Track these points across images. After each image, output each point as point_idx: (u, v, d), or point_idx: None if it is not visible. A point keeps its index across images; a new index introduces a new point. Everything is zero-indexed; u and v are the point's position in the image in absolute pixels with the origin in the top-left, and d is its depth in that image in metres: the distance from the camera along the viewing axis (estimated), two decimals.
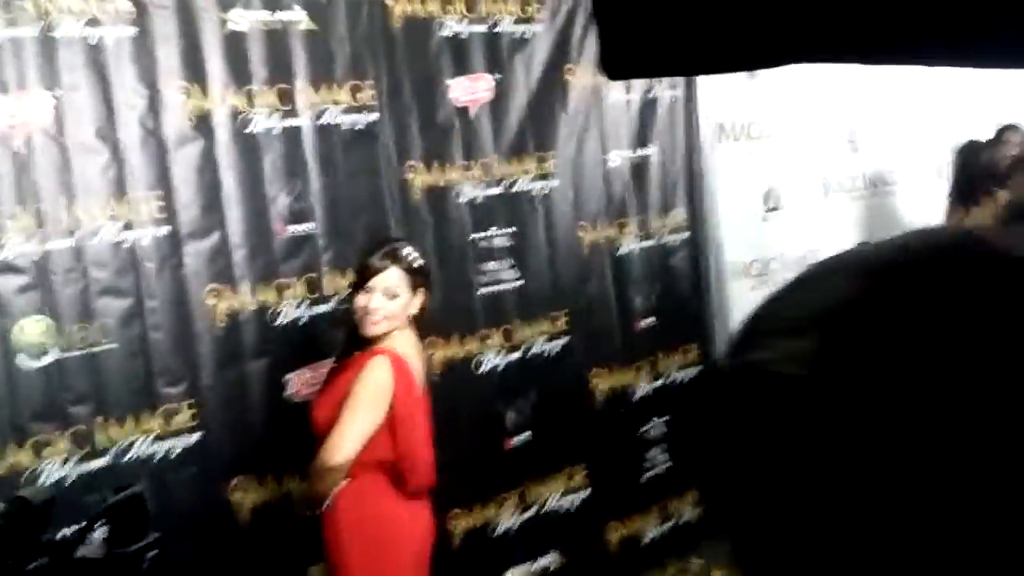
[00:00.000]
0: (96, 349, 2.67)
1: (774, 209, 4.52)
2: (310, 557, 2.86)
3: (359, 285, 2.54)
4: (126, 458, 2.69)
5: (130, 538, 0.42)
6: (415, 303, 2.58)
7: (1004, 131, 5.08)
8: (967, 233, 0.45)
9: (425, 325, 2.73)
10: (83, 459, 2.63)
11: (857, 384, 0.37)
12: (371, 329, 2.51)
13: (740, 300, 4.38)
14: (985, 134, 5.01)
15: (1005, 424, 0.34)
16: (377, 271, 2.51)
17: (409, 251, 2.60)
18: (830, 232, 4.73)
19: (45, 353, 2.57)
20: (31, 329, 2.58)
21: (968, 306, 0.37)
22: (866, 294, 0.41)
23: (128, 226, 2.74)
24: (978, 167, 4.60)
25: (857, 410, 0.37)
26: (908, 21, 0.73)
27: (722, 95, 4.25)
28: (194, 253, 2.85)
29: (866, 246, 0.46)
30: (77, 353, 2.63)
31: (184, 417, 2.80)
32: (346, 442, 2.41)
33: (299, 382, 3.02)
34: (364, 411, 2.43)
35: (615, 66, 0.98)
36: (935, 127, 4.95)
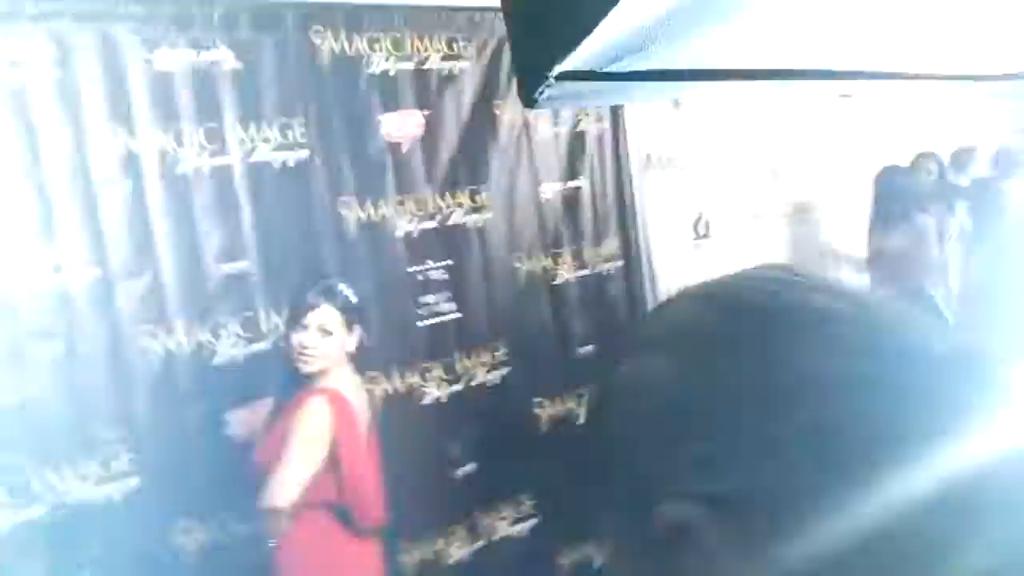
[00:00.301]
0: (30, 396, 2.61)
1: (704, 236, 4.63)
2: None
3: (293, 322, 2.54)
4: (65, 505, 2.62)
5: None
6: (351, 340, 2.57)
7: (920, 158, 5.31)
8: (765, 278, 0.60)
9: (365, 360, 2.73)
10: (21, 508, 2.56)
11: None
12: (306, 367, 2.50)
13: None
14: (903, 160, 5.23)
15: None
16: (311, 308, 2.51)
17: (343, 288, 2.61)
18: (759, 257, 4.86)
19: None
20: None
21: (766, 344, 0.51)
22: (698, 324, 0.58)
23: (58, 268, 2.70)
24: (896, 191, 4.79)
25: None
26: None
27: (648, 126, 4.37)
28: (127, 294, 2.82)
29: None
30: (9, 399, 2.57)
31: (122, 462, 2.75)
32: (287, 485, 2.38)
33: (238, 421, 2.99)
34: (303, 453, 2.41)
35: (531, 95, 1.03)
36: (855, 154, 5.14)
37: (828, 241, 5.24)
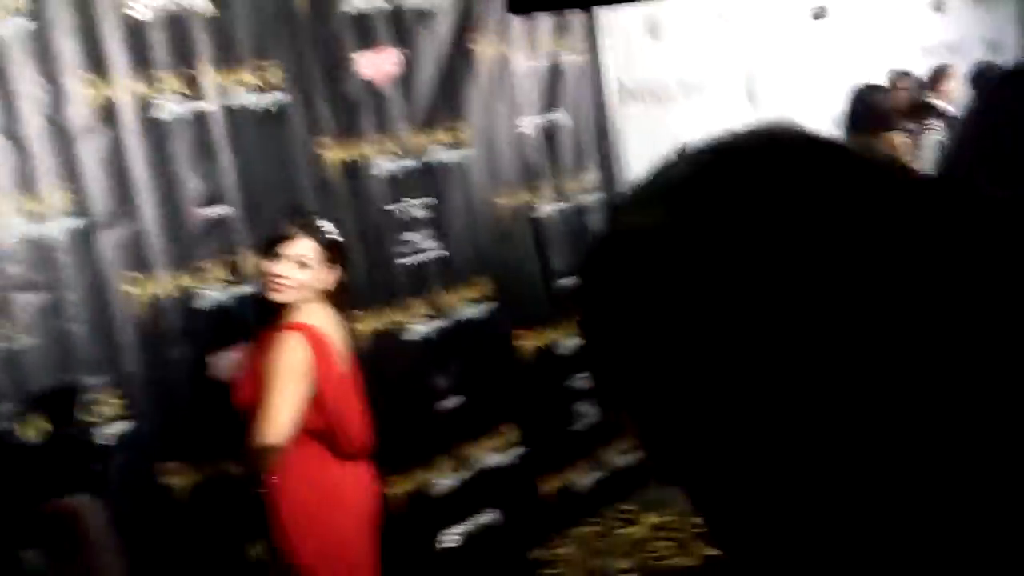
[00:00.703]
0: (16, 346, 2.67)
1: None
2: (248, 535, 2.91)
3: (268, 251, 2.53)
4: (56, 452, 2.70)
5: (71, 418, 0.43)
6: (329, 278, 2.58)
7: (897, 76, 5.30)
8: (789, 127, 0.53)
9: (346, 300, 2.75)
10: None
11: (681, 242, 0.47)
12: (277, 295, 2.50)
13: None
14: (878, 79, 5.22)
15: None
16: (287, 238, 2.52)
17: (324, 225, 2.61)
18: None
19: None
20: None
21: (768, 184, 0.47)
22: (696, 172, 0.51)
23: (38, 219, 2.73)
24: (872, 109, 4.81)
25: (685, 261, 0.46)
26: None
27: (626, 57, 4.35)
28: (109, 243, 2.85)
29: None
30: None
31: (112, 407, 2.81)
32: (277, 422, 2.42)
33: (224, 364, 3.05)
34: (287, 389, 2.44)
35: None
36: (830, 76, 5.13)
37: None
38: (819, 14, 5.25)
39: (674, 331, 0.45)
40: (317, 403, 2.50)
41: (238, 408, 2.57)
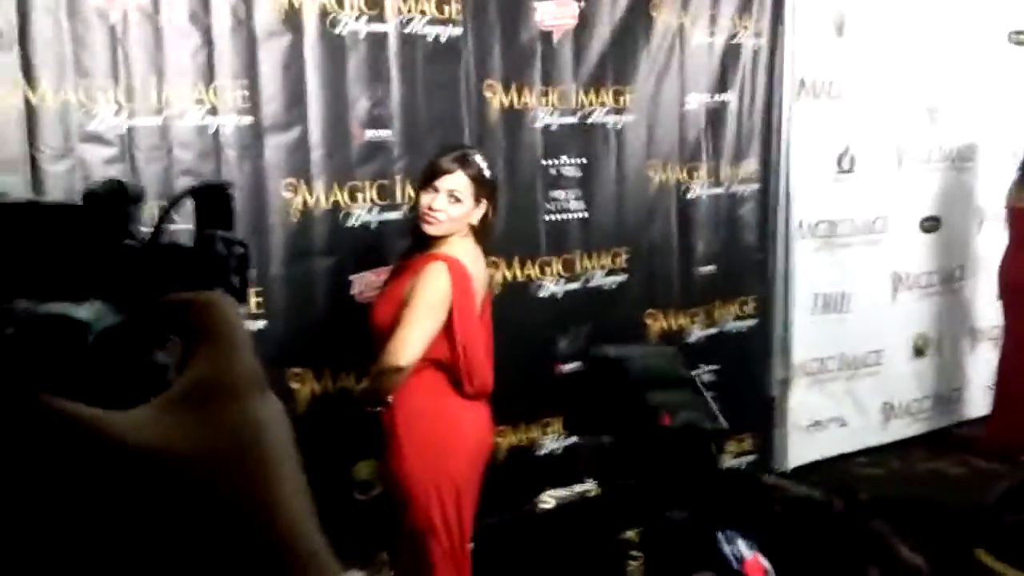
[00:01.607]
0: (172, 227, 2.75)
1: (847, 171, 4.46)
2: (359, 453, 2.93)
3: (425, 184, 2.56)
4: None
5: (217, 224, 0.42)
6: (477, 212, 2.58)
7: None
8: None
9: (487, 242, 2.74)
10: None
11: None
12: (430, 228, 2.53)
13: (804, 259, 4.35)
14: None
15: None
16: (444, 172, 2.53)
17: (479, 159, 2.61)
18: (901, 201, 4.67)
19: None
20: None
21: None
22: None
23: (213, 111, 2.81)
24: None
25: None
26: None
27: (806, 49, 4.19)
28: (274, 145, 2.91)
29: None
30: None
31: (251, 303, 2.88)
32: (409, 346, 2.44)
33: (363, 284, 3.09)
34: (425, 316, 2.46)
35: None
36: (1018, 104, 4.82)
37: (980, 193, 4.96)
38: (1020, 40, 4.93)
39: None
40: (449, 335, 2.51)
41: (372, 327, 2.60)
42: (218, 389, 0.40)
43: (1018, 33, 4.95)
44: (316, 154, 2.98)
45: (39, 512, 0.39)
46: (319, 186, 3.00)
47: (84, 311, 0.39)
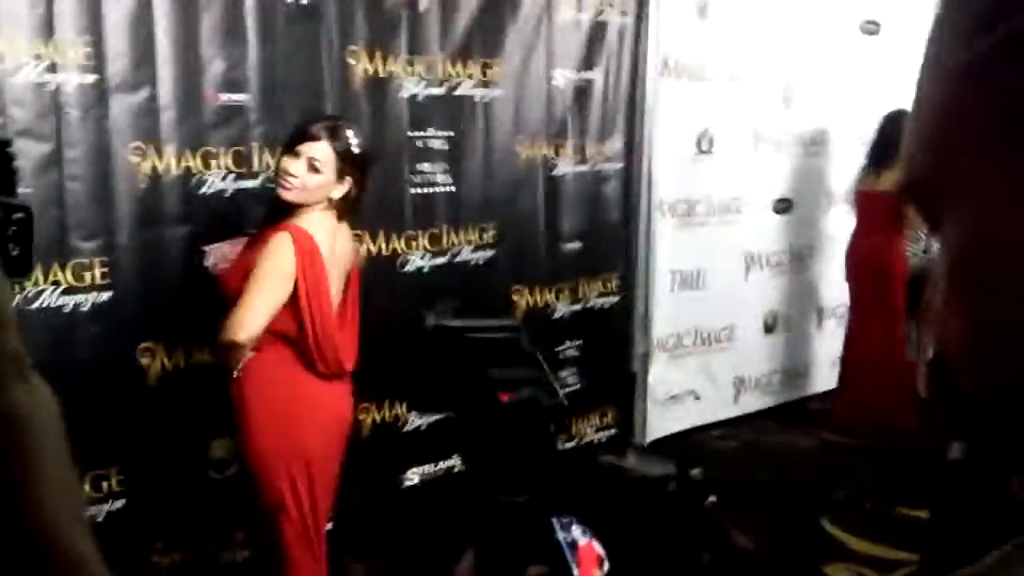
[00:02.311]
0: None
1: (706, 152, 4.58)
2: (214, 431, 2.82)
3: (288, 147, 2.46)
4: (33, 307, 2.60)
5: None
6: (340, 188, 2.48)
7: None
8: None
9: (353, 218, 2.66)
10: None
11: None
12: (284, 193, 2.42)
13: (663, 237, 4.45)
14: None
15: None
16: (309, 139, 2.43)
17: (351, 134, 2.52)
18: (756, 183, 4.82)
19: None
20: None
21: None
22: None
23: (52, 68, 2.61)
24: (897, 135, 4.73)
25: None
26: None
27: (670, 30, 4.26)
28: (121, 107, 2.74)
29: None
30: None
31: (96, 274, 2.71)
32: (249, 319, 2.34)
33: (218, 255, 2.94)
34: (266, 289, 2.36)
35: None
36: (868, 92, 5.06)
37: (832, 177, 5.18)
38: (870, 29, 5.16)
39: None
40: (295, 310, 2.42)
41: (224, 298, 2.49)
42: None
43: (869, 23, 5.18)
44: (166, 117, 2.82)
45: None
46: (169, 151, 2.84)
47: None
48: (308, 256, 2.41)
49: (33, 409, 0.38)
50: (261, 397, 2.44)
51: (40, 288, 2.61)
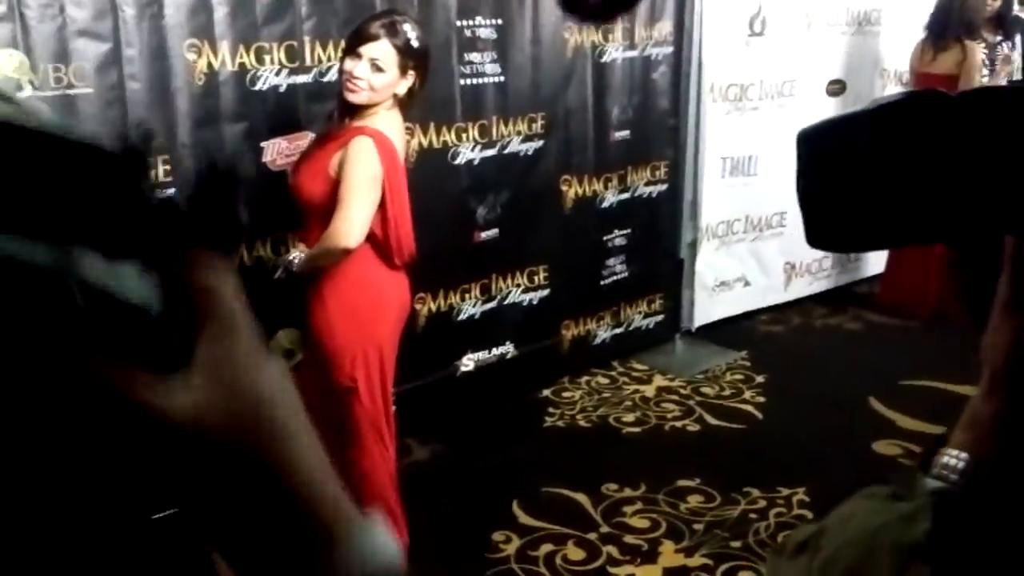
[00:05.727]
0: (71, 92, 2.61)
1: (758, 35, 4.47)
2: (279, 322, 2.93)
3: (349, 49, 2.48)
4: None
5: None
6: (404, 84, 2.51)
7: None
8: None
9: (405, 110, 2.68)
10: None
11: None
12: (351, 96, 2.47)
13: (715, 123, 4.40)
14: None
15: None
16: (369, 39, 2.45)
17: (408, 28, 2.52)
18: (809, 65, 4.72)
19: (20, 89, 2.51)
20: (3, 63, 2.50)
21: None
22: None
23: None
24: (955, 14, 4.59)
25: None
26: None
27: None
28: (174, 4, 2.75)
29: None
30: (51, 93, 2.57)
31: (159, 171, 2.78)
32: (354, 227, 2.44)
33: (276, 151, 3.01)
34: (364, 195, 2.45)
35: None
36: None
37: (885, 57, 5.06)
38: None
39: None
40: (382, 210, 2.50)
41: (296, 197, 2.56)
42: (230, 365, 0.45)
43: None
44: (219, 13, 2.83)
45: (90, 475, 0.43)
46: (224, 47, 2.86)
47: (134, 285, 0.42)
48: (389, 158, 2.49)
49: (278, 383, 0.46)
50: (338, 288, 2.54)
51: None
